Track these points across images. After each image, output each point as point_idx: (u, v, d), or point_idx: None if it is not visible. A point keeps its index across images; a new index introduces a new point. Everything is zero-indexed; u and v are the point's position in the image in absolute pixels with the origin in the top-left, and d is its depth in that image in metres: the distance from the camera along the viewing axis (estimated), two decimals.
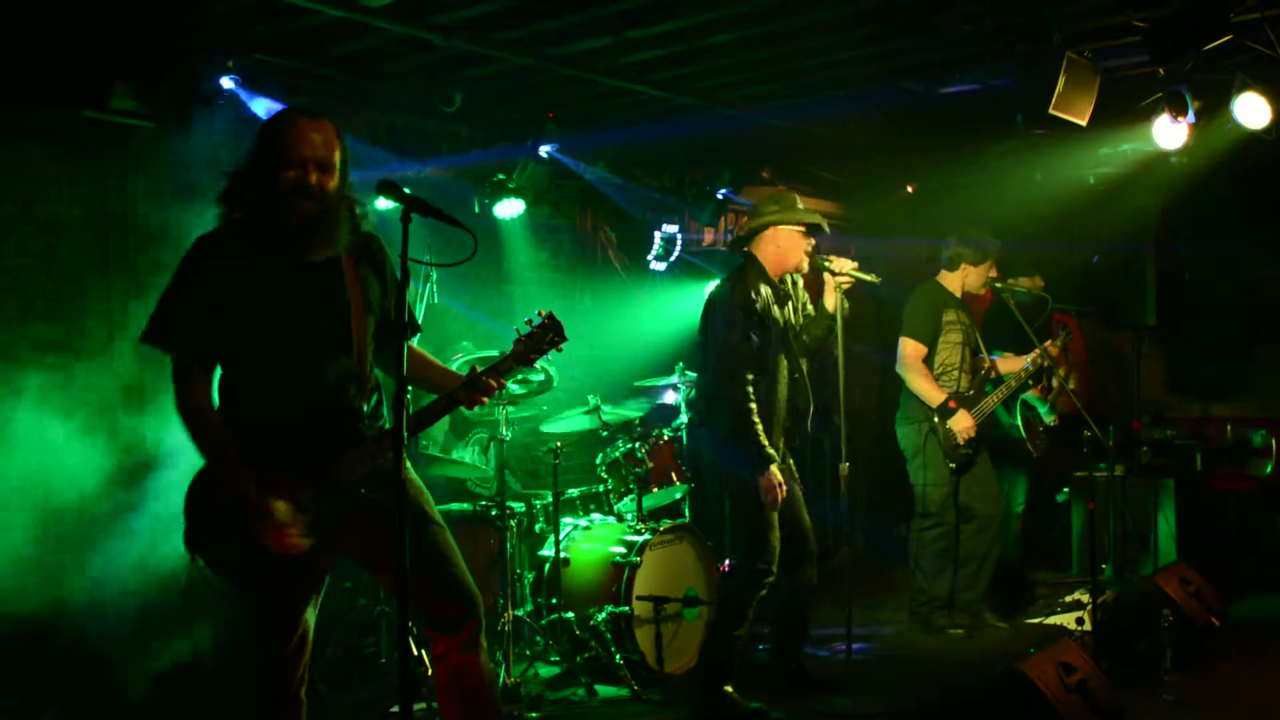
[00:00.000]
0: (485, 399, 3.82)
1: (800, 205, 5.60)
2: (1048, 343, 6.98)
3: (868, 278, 5.57)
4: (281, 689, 3.65)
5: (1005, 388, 6.97)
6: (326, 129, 3.61)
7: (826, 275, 5.62)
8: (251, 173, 3.58)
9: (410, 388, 3.68)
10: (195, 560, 3.59)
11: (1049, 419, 7.39)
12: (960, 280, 7.13)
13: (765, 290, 5.52)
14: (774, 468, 5.31)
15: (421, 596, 3.70)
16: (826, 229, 5.59)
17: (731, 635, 5.46)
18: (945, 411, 6.81)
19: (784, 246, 5.57)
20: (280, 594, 3.61)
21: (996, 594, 7.20)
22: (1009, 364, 7.15)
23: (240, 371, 3.60)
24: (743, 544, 5.55)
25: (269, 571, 3.53)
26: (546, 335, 3.89)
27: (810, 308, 5.80)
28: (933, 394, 6.85)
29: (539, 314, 3.92)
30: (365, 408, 3.75)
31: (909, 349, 6.97)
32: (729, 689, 5.45)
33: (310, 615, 3.71)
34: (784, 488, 5.34)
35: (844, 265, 5.55)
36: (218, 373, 3.63)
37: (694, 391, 6.67)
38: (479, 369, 3.82)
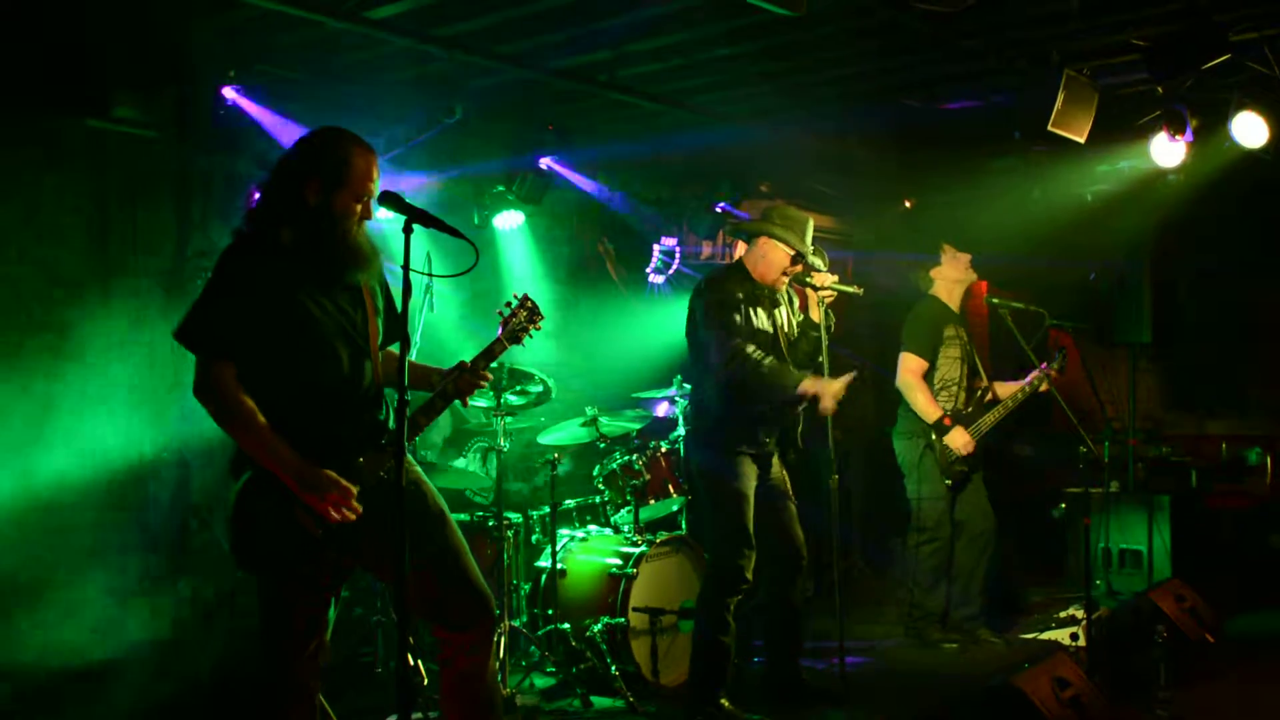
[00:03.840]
0: (480, 384, 3.93)
1: (809, 232, 5.61)
2: (1043, 365, 6.97)
3: (849, 289, 5.59)
4: (297, 695, 3.68)
5: (1002, 407, 6.97)
6: (376, 162, 3.78)
7: (809, 290, 5.65)
8: (306, 192, 3.64)
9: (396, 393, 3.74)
10: (245, 568, 3.66)
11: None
12: (946, 289, 7.14)
13: (745, 290, 5.58)
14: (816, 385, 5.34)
15: (436, 595, 3.76)
16: (821, 266, 5.61)
17: (716, 643, 5.46)
18: (941, 429, 6.82)
19: (767, 258, 5.61)
20: (310, 600, 3.67)
21: (991, 609, 7.21)
22: (1005, 388, 7.15)
23: (268, 376, 3.63)
24: (715, 548, 5.58)
25: (314, 574, 3.62)
26: (529, 316, 4.14)
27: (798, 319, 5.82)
28: (930, 410, 6.86)
29: (515, 297, 4.15)
30: (380, 412, 3.84)
31: (910, 364, 6.97)
32: (724, 701, 5.46)
33: (330, 621, 3.77)
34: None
35: (825, 279, 5.57)
36: None
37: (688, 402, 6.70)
38: (475, 357, 3.96)
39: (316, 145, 3.72)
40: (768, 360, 5.36)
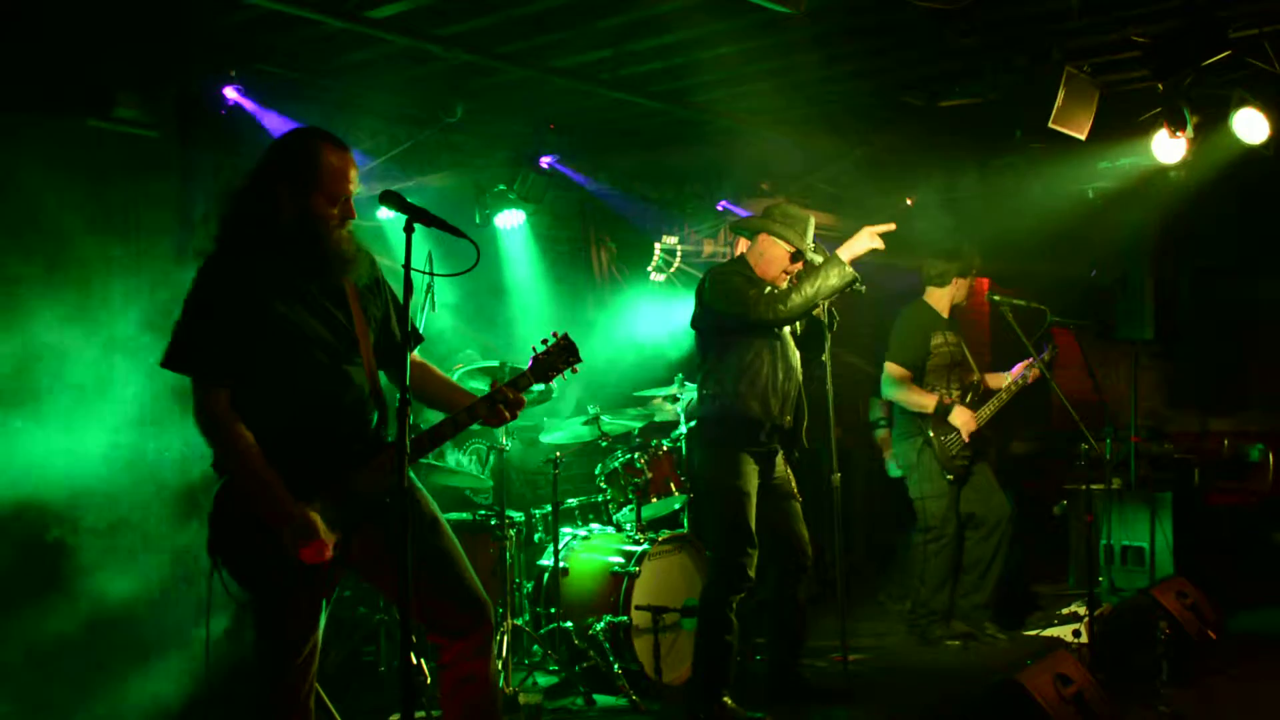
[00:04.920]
0: (510, 417, 3.84)
1: (810, 231, 5.62)
2: (1028, 361, 6.97)
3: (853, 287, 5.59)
4: (291, 700, 3.65)
5: (997, 399, 6.99)
6: (355, 166, 3.71)
7: None
8: (279, 197, 3.58)
9: (411, 400, 3.70)
10: (218, 570, 3.61)
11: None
12: (950, 295, 7.16)
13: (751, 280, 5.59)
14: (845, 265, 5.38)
15: (431, 602, 3.72)
16: (815, 261, 5.60)
17: (719, 642, 5.45)
18: (943, 410, 6.81)
19: (767, 256, 5.63)
20: (299, 605, 3.62)
21: (994, 605, 7.21)
22: (996, 379, 7.17)
23: (255, 390, 3.59)
24: (717, 547, 5.58)
25: (291, 583, 3.55)
26: (564, 356, 3.98)
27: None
28: (925, 401, 6.87)
29: (554, 335, 4.00)
30: (376, 421, 3.79)
31: (894, 372, 7.01)
32: (727, 699, 5.46)
33: (321, 625, 3.73)
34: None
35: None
36: None
37: (694, 399, 6.70)
38: (500, 385, 3.85)
39: (286, 148, 3.66)
40: (814, 280, 5.37)
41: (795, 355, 5.69)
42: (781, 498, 5.66)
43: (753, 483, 5.52)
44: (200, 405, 3.55)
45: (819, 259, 5.57)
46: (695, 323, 5.71)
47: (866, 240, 5.42)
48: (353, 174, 3.67)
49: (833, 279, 5.33)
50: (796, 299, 5.34)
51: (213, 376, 3.55)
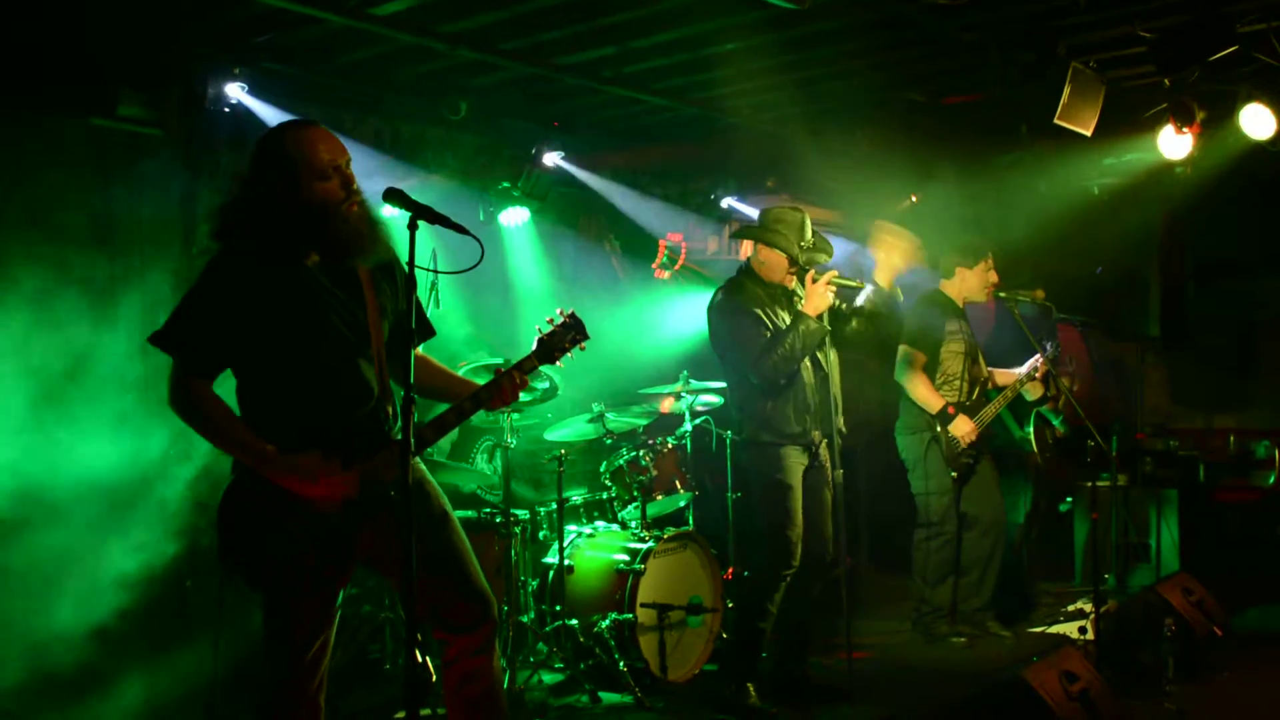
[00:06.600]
0: (511, 398, 3.82)
1: (807, 229, 5.62)
2: (1036, 358, 6.96)
3: (851, 284, 5.59)
4: (301, 696, 3.64)
5: (1003, 397, 6.98)
6: (332, 136, 3.65)
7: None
8: (269, 194, 3.56)
9: (416, 395, 3.68)
10: (230, 574, 3.60)
11: (1061, 429, 7.36)
12: (959, 287, 7.13)
13: (760, 291, 5.63)
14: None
15: (438, 598, 3.71)
16: (824, 259, 5.63)
17: (753, 628, 5.60)
18: (945, 418, 6.81)
19: (768, 264, 5.67)
20: (311, 604, 3.61)
21: (999, 603, 7.20)
22: (1005, 376, 7.16)
23: (264, 381, 3.59)
24: (763, 541, 5.62)
25: (302, 583, 3.55)
26: (568, 334, 3.92)
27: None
28: (932, 400, 6.85)
29: (559, 312, 3.95)
30: (386, 412, 3.77)
31: (909, 356, 6.97)
32: (750, 686, 5.58)
33: (335, 621, 3.73)
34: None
35: (827, 276, 5.57)
36: (230, 384, 3.63)
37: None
38: (503, 370, 3.84)
39: (259, 149, 3.63)
40: (784, 342, 5.43)
41: (824, 363, 5.69)
42: (819, 487, 5.72)
43: (797, 476, 5.60)
44: (175, 386, 3.56)
45: (823, 257, 5.61)
46: (714, 344, 5.76)
47: (824, 292, 5.49)
48: (330, 144, 3.60)
49: (800, 338, 5.44)
50: (779, 363, 5.45)
51: (192, 365, 3.55)
